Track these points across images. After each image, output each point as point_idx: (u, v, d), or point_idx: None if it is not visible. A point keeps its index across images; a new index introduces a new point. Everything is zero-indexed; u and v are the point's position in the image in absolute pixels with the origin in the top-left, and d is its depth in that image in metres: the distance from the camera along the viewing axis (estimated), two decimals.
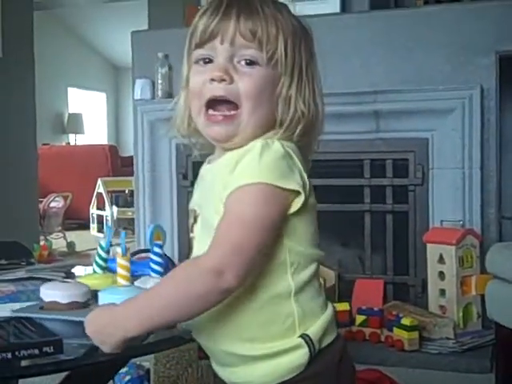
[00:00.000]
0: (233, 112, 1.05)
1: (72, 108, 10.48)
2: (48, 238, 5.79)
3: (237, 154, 1.03)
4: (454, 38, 3.15)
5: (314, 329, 1.03)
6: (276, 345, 1.02)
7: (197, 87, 1.07)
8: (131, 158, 3.84)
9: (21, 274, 1.63)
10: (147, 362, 2.40)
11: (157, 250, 1.44)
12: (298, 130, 1.06)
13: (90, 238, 6.62)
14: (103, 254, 1.49)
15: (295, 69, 1.08)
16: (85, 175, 7.23)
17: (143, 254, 2.49)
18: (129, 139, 7.56)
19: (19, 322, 1.21)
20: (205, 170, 1.14)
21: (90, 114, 10.79)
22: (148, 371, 2.37)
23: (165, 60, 3.54)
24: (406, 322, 2.78)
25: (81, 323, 1.08)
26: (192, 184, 3.55)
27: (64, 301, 1.24)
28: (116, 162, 7.54)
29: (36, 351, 1.08)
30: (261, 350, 1.02)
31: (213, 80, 1.04)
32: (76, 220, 7.18)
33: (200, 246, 1.06)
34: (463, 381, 2.63)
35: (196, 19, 1.09)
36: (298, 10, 4.03)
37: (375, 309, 2.94)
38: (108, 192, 6.79)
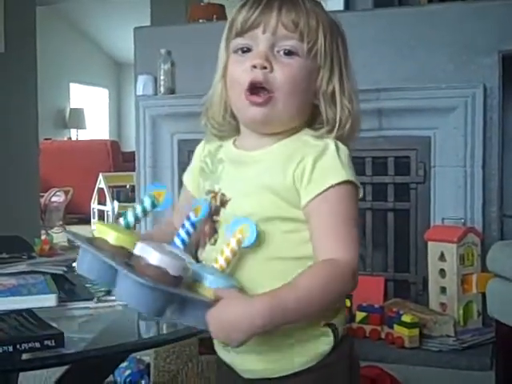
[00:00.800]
0: (270, 94, 1.06)
1: (74, 103, 10.48)
2: (49, 232, 5.79)
3: (299, 147, 1.06)
4: (457, 37, 3.15)
5: (338, 319, 1.08)
6: (306, 332, 1.05)
7: (236, 75, 1.09)
8: (133, 153, 3.84)
9: (22, 267, 1.63)
10: (147, 356, 2.41)
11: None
12: (346, 129, 1.09)
13: (90, 233, 6.62)
14: (140, 214, 1.10)
15: (334, 63, 1.10)
16: (86, 170, 7.22)
17: None
18: (130, 135, 7.58)
19: (20, 315, 1.21)
20: (239, 155, 1.13)
21: (91, 110, 10.79)
22: (148, 365, 2.38)
23: (167, 56, 3.54)
24: (406, 319, 2.78)
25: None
26: None
27: (175, 273, 0.95)
28: (117, 157, 7.54)
29: (37, 344, 1.08)
30: (294, 338, 1.05)
31: (254, 67, 1.06)
32: (77, 215, 7.18)
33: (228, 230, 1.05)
34: (463, 378, 2.64)
35: (235, 10, 1.11)
36: None
37: (376, 306, 2.94)
38: (109, 187, 6.79)
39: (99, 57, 11.17)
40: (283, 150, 1.08)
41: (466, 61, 3.14)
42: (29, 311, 1.24)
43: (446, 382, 2.65)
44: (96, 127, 10.96)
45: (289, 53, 1.07)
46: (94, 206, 6.92)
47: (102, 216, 6.81)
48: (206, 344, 2.38)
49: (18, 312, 1.23)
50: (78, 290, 1.48)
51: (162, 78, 3.55)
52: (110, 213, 6.67)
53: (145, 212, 1.07)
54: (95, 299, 1.40)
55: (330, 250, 1.01)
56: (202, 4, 4.00)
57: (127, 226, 1.07)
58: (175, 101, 3.54)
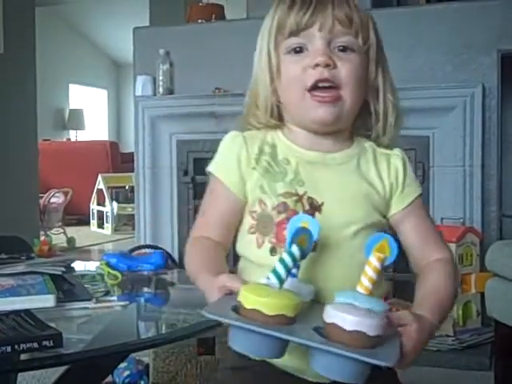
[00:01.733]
0: (338, 91, 1.06)
1: (73, 104, 10.47)
2: (48, 233, 5.79)
3: (368, 152, 1.13)
4: (456, 37, 3.15)
5: None
6: None
7: (295, 75, 1.07)
8: (132, 154, 3.84)
9: (21, 268, 1.63)
10: (146, 357, 2.41)
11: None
12: (390, 123, 1.13)
13: (89, 234, 6.63)
14: (290, 264, 0.94)
15: (380, 55, 1.12)
16: (85, 171, 7.22)
17: (142, 250, 2.50)
18: (129, 136, 7.56)
19: (18, 315, 1.21)
20: (315, 156, 1.10)
21: (91, 111, 10.78)
22: (147, 366, 2.37)
23: (166, 57, 3.54)
24: None
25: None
26: (193, 180, 3.56)
27: (374, 333, 0.87)
28: (116, 158, 7.54)
29: (35, 345, 1.07)
30: None
31: (317, 65, 1.05)
32: (76, 216, 7.18)
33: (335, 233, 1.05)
34: (463, 378, 2.64)
35: (281, 11, 1.09)
36: None
37: None
38: (108, 188, 6.81)
39: (98, 58, 11.15)
40: (358, 154, 1.11)
41: (464, 60, 3.14)
42: (27, 312, 1.23)
43: (445, 381, 2.64)
44: (95, 128, 10.94)
45: (344, 49, 1.07)
46: (93, 206, 6.93)
47: (101, 217, 6.82)
48: (204, 345, 2.38)
49: (17, 312, 1.23)
50: (77, 290, 1.48)
51: (160, 78, 3.55)
52: (109, 214, 6.67)
53: (295, 262, 0.95)
54: (94, 299, 1.40)
55: (439, 250, 1.10)
56: (200, 4, 4.00)
57: (281, 283, 0.93)
58: (174, 101, 3.54)
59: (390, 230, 1.10)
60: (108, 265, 1.60)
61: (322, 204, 1.05)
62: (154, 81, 3.61)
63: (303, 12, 1.06)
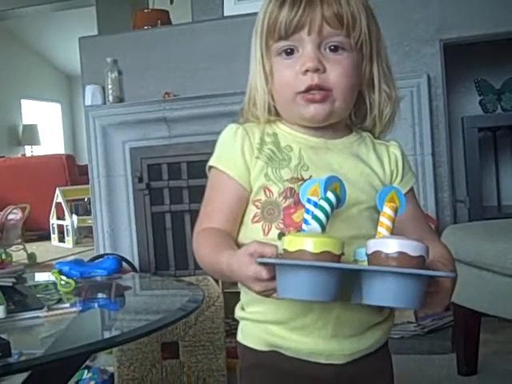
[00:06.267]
0: (327, 92, 1.06)
1: (26, 119, 10.35)
2: (7, 250, 5.70)
3: (367, 141, 1.15)
4: (399, 28, 3.20)
5: None
6: (384, 313, 1.11)
7: (288, 80, 1.07)
8: None
9: None
10: (111, 366, 2.39)
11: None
12: (386, 114, 1.13)
13: (51, 249, 6.55)
14: (329, 211, 0.94)
15: (373, 49, 1.11)
16: (43, 186, 7.14)
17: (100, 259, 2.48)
18: (85, 147, 7.49)
19: None
20: (318, 142, 1.11)
21: (45, 125, 10.67)
22: (112, 375, 2.36)
23: (114, 65, 3.52)
24: None
25: None
26: (148, 186, 3.54)
27: (417, 253, 0.89)
28: (74, 171, 7.47)
29: None
30: (381, 316, 1.10)
31: (307, 71, 1.05)
32: (37, 231, 7.09)
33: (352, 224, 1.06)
34: (426, 362, 2.67)
35: (271, 9, 1.08)
36: (244, 8, 4.01)
37: None
38: (67, 201, 6.73)
39: (50, 71, 11.05)
40: (358, 141, 1.14)
41: (408, 51, 3.19)
42: None
43: (410, 367, 2.68)
44: (51, 142, 10.84)
45: (335, 49, 1.06)
46: (53, 221, 6.86)
47: (61, 231, 6.74)
48: (168, 349, 2.38)
49: None
50: (29, 300, 1.48)
51: (109, 86, 3.53)
52: (70, 227, 6.61)
53: (332, 209, 0.95)
54: (46, 308, 1.39)
55: (434, 237, 1.17)
56: (145, 11, 3.99)
57: (322, 227, 0.93)
58: (124, 109, 3.53)
59: None
60: (61, 273, 1.59)
61: None
62: (104, 90, 3.60)
63: (293, 14, 1.05)
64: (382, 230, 0.95)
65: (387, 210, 0.96)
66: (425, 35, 3.15)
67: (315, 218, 0.93)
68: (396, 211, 0.96)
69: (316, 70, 1.04)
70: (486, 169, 3.66)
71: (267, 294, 0.92)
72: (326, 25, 1.04)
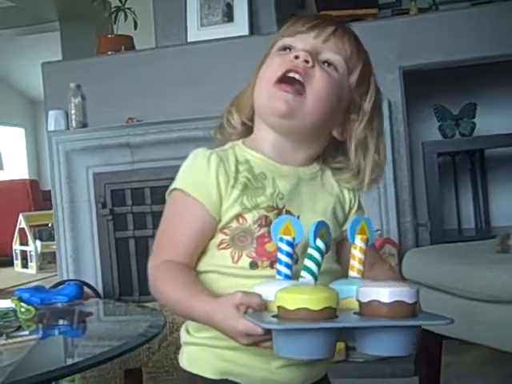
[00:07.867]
0: (303, 89, 1.05)
1: None
2: None
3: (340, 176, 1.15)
4: None
5: None
6: None
7: (273, 66, 1.08)
8: None
9: None
10: None
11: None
12: (368, 176, 1.13)
13: (14, 275, 6.46)
14: (319, 258, 0.96)
15: (374, 116, 1.13)
16: (6, 211, 7.05)
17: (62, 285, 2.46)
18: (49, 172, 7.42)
19: None
20: (288, 170, 1.11)
21: (8, 150, 10.55)
22: None
23: (77, 90, 3.52)
24: None
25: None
26: (111, 212, 3.53)
27: (412, 300, 0.89)
28: (37, 196, 7.40)
29: None
30: None
31: (296, 57, 1.06)
32: None
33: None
34: None
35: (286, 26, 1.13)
36: (208, 34, 4.02)
37: None
38: (31, 227, 6.66)
39: (13, 96, 10.96)
40: (321, 171, 1.14)
41: None
42: None
43: None
44: (14, 168, 10.72)
45: (329, 64, 1.08)
46: (16, 246, 6.77)
47: (24, 256, 6.66)
48: (131, 375, 2.35)
49: None
50: None
51: (73, 112, 3.53)
52: (33, 253, 6.53)
53: (322, 256, 0.95)
54: (4, 336, 1.38)
55: (380, 261, 1.19)
56: (109, 36, 4.00)
57: (315, 278, 0.93)
58: (87, 134, 3.52)
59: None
60: (20, 300, 1.58)
61: (299, 218, 1.05)
62: (67, 115, 3.59)
63: (306, 21, 1.10)
64: (354, 264, 0.98)
65: (358, 242, 0.99)
66: (385, 62, 3.21)
67: (307, 269, 0.94)
68: (367, 242, 0.99)
69: (305, 61, 1.05)
70: (446, 193, 3.72)
71: (256, 345, 0.91)
72: (332, 42, 1.08)
